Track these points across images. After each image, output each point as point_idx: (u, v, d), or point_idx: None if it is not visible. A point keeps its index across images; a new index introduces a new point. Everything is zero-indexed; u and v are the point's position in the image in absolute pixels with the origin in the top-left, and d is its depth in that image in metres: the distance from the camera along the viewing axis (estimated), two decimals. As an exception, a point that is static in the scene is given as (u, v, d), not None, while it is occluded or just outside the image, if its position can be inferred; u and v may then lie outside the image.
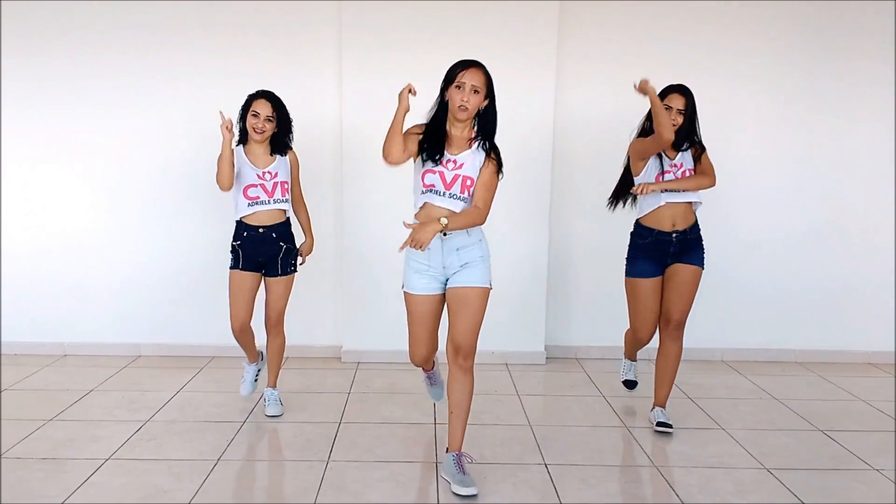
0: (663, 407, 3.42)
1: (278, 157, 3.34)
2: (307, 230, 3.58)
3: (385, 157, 2.66)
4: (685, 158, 3.27)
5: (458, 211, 2.69)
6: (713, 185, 3.26)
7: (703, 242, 3.36)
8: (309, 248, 3.58)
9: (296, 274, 3.48)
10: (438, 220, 2.60)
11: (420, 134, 2.72)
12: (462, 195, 2.70)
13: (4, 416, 3.43)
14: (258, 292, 3.42)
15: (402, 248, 2.64)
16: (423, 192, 2.72)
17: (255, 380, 3.62)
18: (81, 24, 4.27)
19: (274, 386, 3.60)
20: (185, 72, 4.33)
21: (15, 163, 4.41)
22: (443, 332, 2.88)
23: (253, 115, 3.21)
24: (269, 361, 3.58)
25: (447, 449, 2.85)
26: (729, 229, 4.38)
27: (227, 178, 3.14)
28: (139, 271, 4.49)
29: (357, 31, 4.19)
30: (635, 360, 3.78)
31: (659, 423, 3.34)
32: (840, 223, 4.58)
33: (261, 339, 3.55)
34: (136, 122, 4.37)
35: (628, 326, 3.60)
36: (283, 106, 3.28)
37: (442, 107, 2.71)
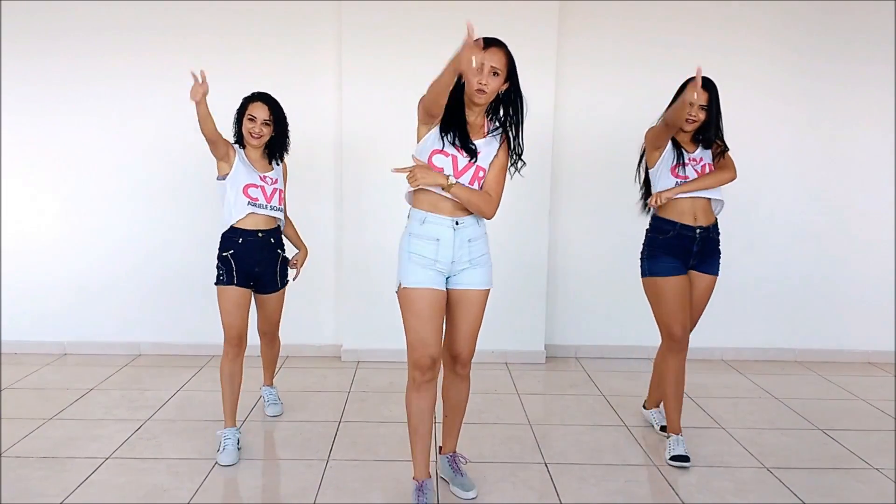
0: (677, 434, 3.11)
1: (274, 167, 3.15)
2: (299, 241, 3.35)
3: (427, 107, 2.39)
4: (706, 155, 3.08)
5: (450, 197, 2.47)
6: (734, 177, 3.07)
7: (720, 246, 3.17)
8: (304, 258, 3.33)
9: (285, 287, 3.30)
10: (446, 175, 2.40)
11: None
12: (471, 186, 2.48)
13: (4, 415, 3.43)
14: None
15: (398, 170, 2.41)
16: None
17: (239, 447, 3.05)
18: (79, 26, 4.27)
19: (271, 384, 3.58)
20: (184, 72, 4.31)
21: (15, 163, 4.41)
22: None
23: (249, 119, 3.03)
24: (264, 361, 3.53)
25: (440, 450, 2.85)
26: (728, 229, 4.31)
27: (209, 123, 2.96)
28: (139, 270, 4.49)
29: (357, 31, 4.19)
30: (680, 433, 3.12)
31: (674, 457, 3.03)
32: (840, 223, 4.58)
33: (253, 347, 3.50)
34: (135, 123, 4.37)
35: (658, 353, 3.30)
36: (281, 108, 3.10)
37: (458, 90, 2.42)
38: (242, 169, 3.04)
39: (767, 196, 4.50)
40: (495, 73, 2.40)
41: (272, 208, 3.10)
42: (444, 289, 2.54)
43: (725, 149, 3.12)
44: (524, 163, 2.62)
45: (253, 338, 3.42)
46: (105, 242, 4.48)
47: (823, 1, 4.37)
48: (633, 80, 4.40)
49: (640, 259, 3.19)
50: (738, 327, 4.63)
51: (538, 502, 2.68)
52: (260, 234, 3.08)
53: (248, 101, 3.08)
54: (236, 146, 3.11)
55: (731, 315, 4.57)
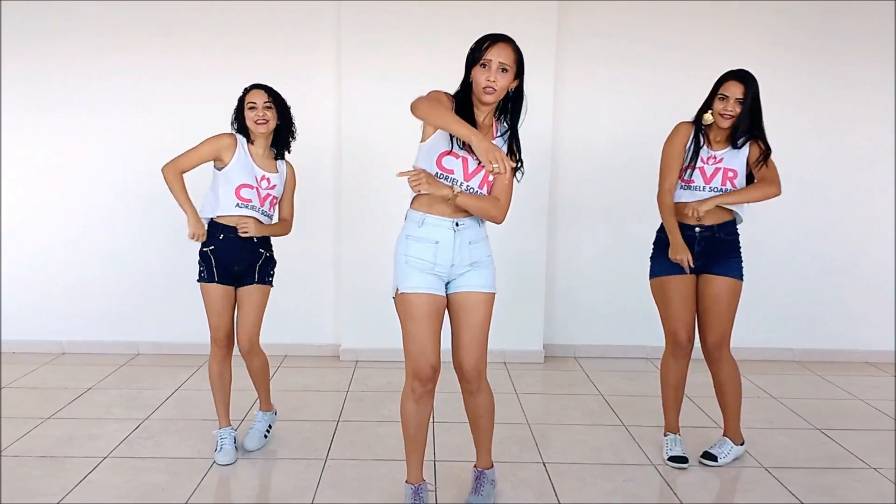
0: (732, 438, 3.06)
1: (280, 167, 3.03)
2: (274, 227, 3.06)
3: (416, 109, 2.33)
4: (733, 157, 2.91)
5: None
6: (779, 193, 2.93)
7: (740, 250, 3.03)
8: (258, 231, 2.95)
9: (271, 289, 3.06)
10: (451, 186, 2.29)
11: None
12: (481, 190, 2.38)
13: (3, 414, 3.42)
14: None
15: (401, 174, 2.29)
16: (436, 175, 2.35)
17: (236, 447, 3.04)
18: (78, 25, 4.27)
19: (266, 408, 3.22)
20: (184, 72, 4.33)
21: (14, 163, 4.40)
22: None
23: (250, 107, 2.89)
24: (254, 384, 3.20)
25: (475, 464, 2.68)
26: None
27: (169, 186, 2.97)
28: (138, 270, 4.49)
29: (356, 31, 4.19)
30: (678, 433, 3.13)
31: (705, 454, 3.03)
32: (839, 223, 4.58)
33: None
34: (132, 123, 4.36)
35: (662, 358, 3.18)
36: (279, 94, 2.97)
37: (467, 88, 2.35)
38: (240, 166, 2.91)
39: (766, 196, 4.50)
40: (504, 70, 2.30)
41: (262, 213, 2.96)
42: (444, 294, 2.42)
43: (768, 153, 2.93)
44: (522, 171, 2.53)
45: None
46: (103, 241, 4.47)
47: (823, 1, 4.37)
48: (632, 80, 4.40)
49: (650, 259, 3.11)
50: (737, 327, 4.55)
51: (536, 502, 2.67)
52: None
53: (244, 93, 2.96)
54: (239, 136, 2.96)
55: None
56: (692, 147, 2.94)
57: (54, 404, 3.58)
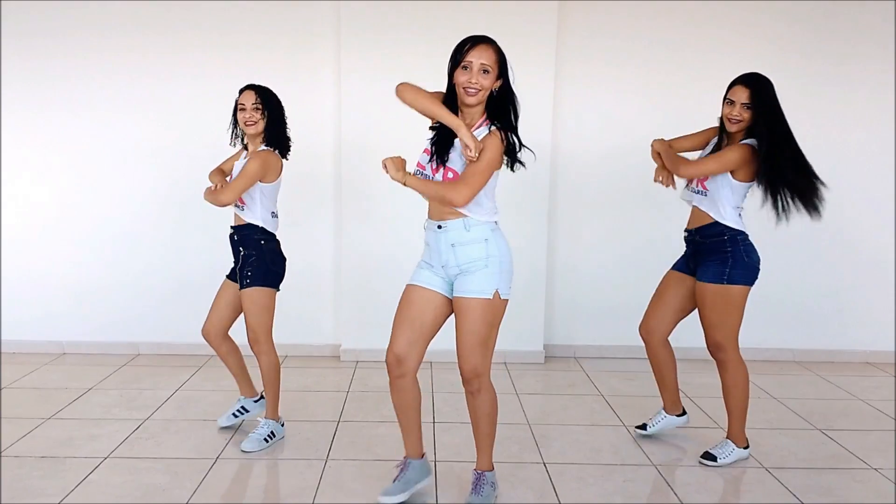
0: (734, 441, 3.05)
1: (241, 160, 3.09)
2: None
3: (401, 94, 2.39)
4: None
5: (444, 206, 2.41)
6: (711, 170, 2.87)
7: (728, 254, 2.96)
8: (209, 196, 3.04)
9: (256, 290, 3.04)
10: (403, 172, 2.37)
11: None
12: (427, 170, 2.45)
13: (3, 415, 3.42)
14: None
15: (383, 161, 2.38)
16: (414, 172, 2.46)
17: (235, 415, 3.32)
18: (78, 24, 4.26)
19: (271, 416, 3.18)
20: (183, 73, 4.33)
21: (15, 163, 4.40)
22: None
23: (240, 109, 3.02)
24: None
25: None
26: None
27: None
28: (138, 270, 4.49)
29: (355, 30, 4.19)
30: (664, 409, 3.29)
31: (705, 454, 3.03)
32: (839, 223, 4.57)
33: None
34: (134, 123, 4.36)
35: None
36: (270, 94, 3.05)
37: (451, 93, 2.39)
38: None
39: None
40: (486, 71, 2.33)
41: (235, 205, 3.08)
42: (442, 293, 2.49)
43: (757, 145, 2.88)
44: (523, 164, 2.55)
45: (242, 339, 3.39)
46: (104, 242, 4.47)
47: (824, 1, 4.37)
48: (633, 79, 4.40)
49: None
50: (737, 327, 4.62)
51: (537, 502, 2.67)
52: (231, 230, 3.15)
53: (238, 96, 3.07)
54: (243, 151, 3.19)
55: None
56: (711, 150, 3.02)
57: (55, 404, 3.58)
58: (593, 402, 3.78)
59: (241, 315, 3.16)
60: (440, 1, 4.16)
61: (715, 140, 3.04)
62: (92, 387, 3.88)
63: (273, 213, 3.14)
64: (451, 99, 2.40)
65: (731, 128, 2.89)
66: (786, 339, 4.67)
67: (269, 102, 3.03)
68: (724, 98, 2.92)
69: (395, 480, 2.63)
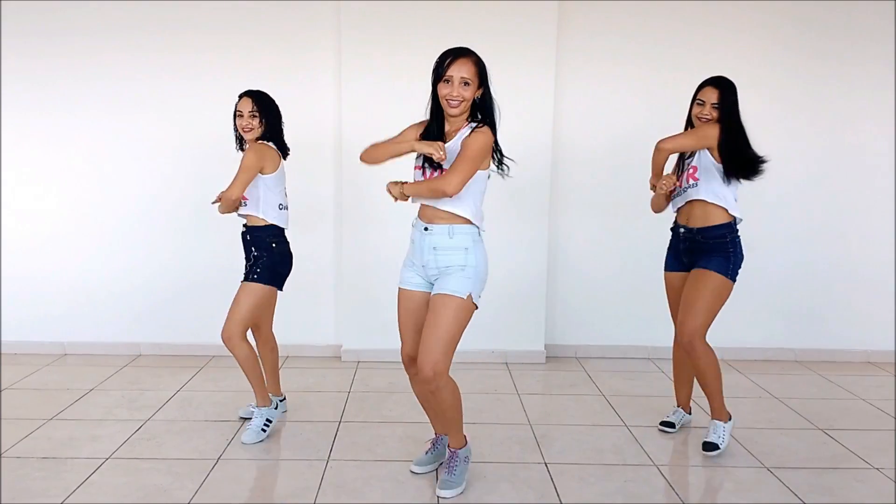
0: (719, 419, 3.16)
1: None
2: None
3: (363, 159, 2.66)
4: (701, 157, 3.03)
5: (444, 209, 2.53)
6: (686, 144, 3.02)
7: (731, 253, 3.09)
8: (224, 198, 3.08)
9: (262, 287, 3.12)
10: (398, 185, 2.57)
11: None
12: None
13: (4, 416, 3.43)
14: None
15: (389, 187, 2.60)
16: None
17: (264, 429, 3.21)
18: (79, 25, 4.27)
19: (263, 403, 3.24)
20: (183, 73, 4.33)
21: (15, 163, 4.41)
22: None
23: (238, 115, 3.09)
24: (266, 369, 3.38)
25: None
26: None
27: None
28: (139, 271, 4.49)
29: (356, 31, 4.19)
30: (679, 406, 3.46)
31: (704, 445, 3.11)
32: (839, 223, 4.58)
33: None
34: (134, 123, 4.37)
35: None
36: (266, 98, 3.11)
37: (436, 104, 2.54)
38: None
39: (766, 196, 4.48)
40: (466, 84, 2.46)
41: (242, 205, 3.13)
42: (427, 290, 2.64)
43: (739, 168, 3.02)
44: (507, 167, 2.66)
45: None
46: (105, 242, 4.48)
47: (824, 1, 4.37)
48: (633, 79, 4.40)
49: None
50: (738, 327, 4.62)
51: (538, 502, 2.67)
52: (243, 229, 3.22)
53: (237, 102, 3.14)
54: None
55: (730, 315, 4.51)
56: (678, 158, 3.16)
57: (56, 405, 3.58)
58: (595, 402, 3.78)
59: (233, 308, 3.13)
60: (440, 1, 4.16)
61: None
62: (93, 387, 3.88)
63: (280, 205, 3.17)
64: (437, 106, 2.55)
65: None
66: (787, 339, 4.67)
67: (266, 109, 3.09)
68: (694, 99, 3.07)
69: (426, 453, 2.91)
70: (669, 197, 3.19)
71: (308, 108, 4.25)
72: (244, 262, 3.25)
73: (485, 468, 2.92)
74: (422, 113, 2.67)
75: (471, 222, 2.57)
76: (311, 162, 4.27)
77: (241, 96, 3.12)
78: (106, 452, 3.03)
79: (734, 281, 3.10)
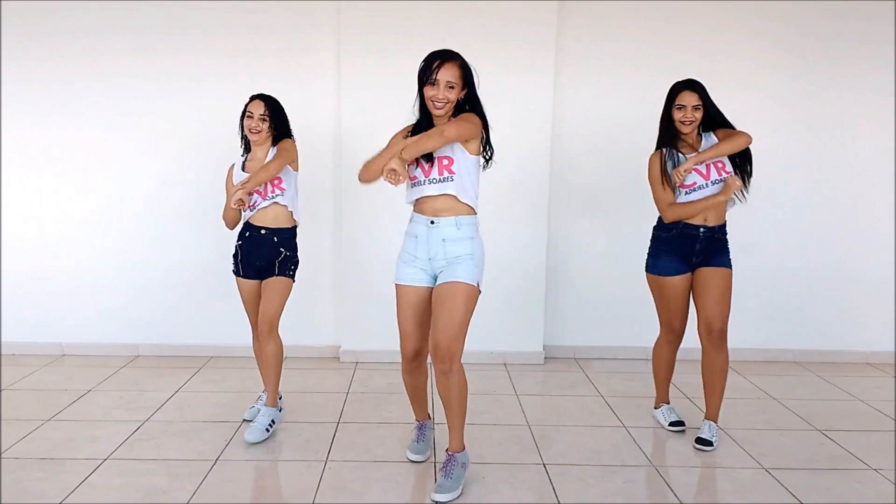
0: (714, 421, 3.24)
1: (270, 152, 3.20)
2: (254, 175, 3.10)
3: (362, 179, 2.68)
4: (710, 147, 3.09)
5: (449, 193, 2.60)
6: (750, 140, 3.06)
7: (727, 244, 3.23)
8: (244, 193, 3.04)
9: (293, 283, 3.28)
10: (398, 152, 2.51)
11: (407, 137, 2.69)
12: (441, 177, 2.62)
13: (3, 416, 3.42)
14: None
15: (388, 172, 2.49)
16: (411, 187, 2.70)
17: (268, 429, 3.21)
18: (79, 27, 4.27)
19: (273, 403, 3.28)
20: (184, 74, 4.33)
21: (14, 164, 4.41)
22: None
23: (248, 116, 3.17)
24: (263, 370, 3.29)
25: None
26: (728, 230, 4.38)
27: (230, 222, 3.26)
28: (138, 271, 4.49)
29: (356, 32, 4.19)
30: (669, 402, 3.51)
31: (699, 440, 3.17)
32: (839, 224, 4.58)
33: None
34: (133, 124, 4.37)
35: (655, 343, 3.44)
36: (278, 105, 3.21)
37: (423, 106, 2.66)
38: (238, 179, 3.20)
39: (766, 197, 4.49)
40: (451, 87, 2.56)
41: (271, 197, 3.17)
42: (428, 285, 2.73)
43: (726, 123, 3.15)
44: (492, 158, 2.76)
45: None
46: (103, 243, 4.47)
47: (823, 2, 4.38)
48: (632, 80, 4.40)
49: (647, 255, 3.33)
50: (737, 328, 4.56)
51: (537, 503, 2.67)
52: (263, 231, 3.19)
53: (247, 103, 3.22)
54: (234, 164, 3.30)
55: (730, 316, 4.56)
56: (671, 164, 3.13)
57: (54, 406, 3.58)
58: (593, 403, 3.78)
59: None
60: (441, 1, 4.16)
61: (665, 159, 3.16)
62: (92, 388, 3.88)
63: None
64: (424, 107, 2.66)
65: (686, 129, 3.12)
66: (786, 340, 4.67)
67: (276, 114, 3.19)
68: (673, 105, 3.13)
69: (417, 441, 3.02)
70: (674, 190, 3.15)
71: (308, 109, 4.24)
72: (258, 262, 3.21)
73: (483, 469, 2.92)
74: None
75: (473, 211, 2.69)
76: (310, 163, 4.23)
77: (252, 98, 3.20)
78: (104, 453, 3.02)
79: None
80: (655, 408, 3.52)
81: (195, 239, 4.43)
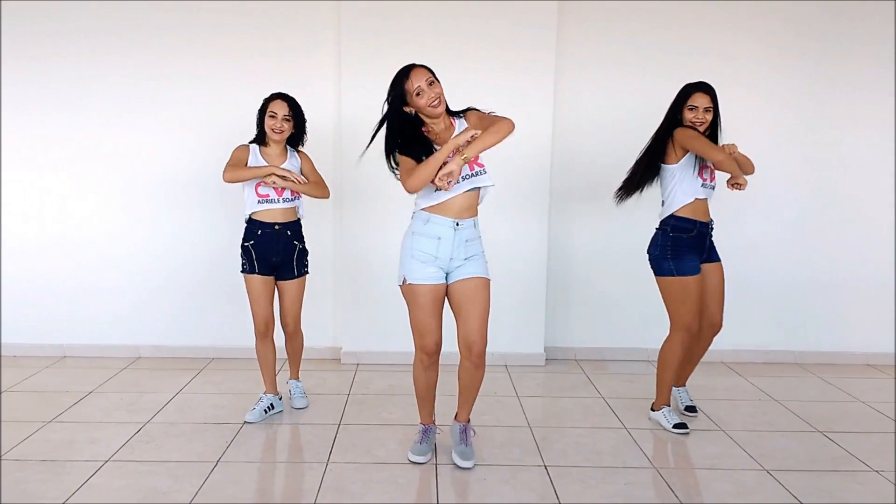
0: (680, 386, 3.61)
1: (290, 155, 3.39)
2: (308, 185, 3.37)
3: (414, 190, 2.70)
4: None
5: (481, 185, 2.77)
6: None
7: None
8: (292, 186, 3.31)
9: (305, 277, 3.50)
10: (459, 152, 2.65)
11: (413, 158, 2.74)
12: (472, 172, 2.76)
13: (4, 418, 3.42)
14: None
15: (443, 176, 2.62)
16: (436, 190, 2.72)
17: (266, 411, 3.47)
18: (83, 27, 4.28)
19: (297, 378, 3.71)
20: (184, 74, 4.34)
21: (15, 164, 4.41)
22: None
23: (270, 115, 3.27)
24: (289, 356, 3.68)
25: (455, 417, 3.04)
26: (728, 231, 4.36)
27: (235, 181, 3.27)
28: (138, 273, 4.50)
29: (356, 32, 4.20)
30: (670, 405, 3.51)
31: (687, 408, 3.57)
32: (839, 225, 4.58)
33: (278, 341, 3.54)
34: (135, 125, 4.37)
35: (665, 345, 3.42)
36: (299, 105, 3.36)
37: (409, 122, 2.75)
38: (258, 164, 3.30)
39: (767, 198, 4.50)
40: (431, 83, 2.71)
41: (284, 200, 3.32)
42: (444, 283, 2.82)
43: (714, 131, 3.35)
44: None
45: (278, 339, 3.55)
46: (104, 245, 4.48)
47: (823, 2, 4.38)
48: (632, 80, 4.40)
49: (657, 258, 3.33)
50: (738, 329, 4.62)
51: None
52: (276, 227, 3.32)
53: (268, 101, 3.33)
54: (251, 145, 3.36)
55: (730, 317, 4.51)
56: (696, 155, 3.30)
57: (55, 408, 3.58)
58: (594, 405, 3.78)
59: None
60: (441, 2, 4.17)
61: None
62: (93, 390, 3.88)
63: None
64: (415, 122, 2.76)
65: (699, 130, 3.25)
66: (787, 342, 4.67)
67: (298, 114, 3.35)
68: (683, 104, 3.27)
69: (420, 443, 3.03)
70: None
71: (308, 109, 4.20)
72: (275, 258, 3.34)
73: (485, 470, 2.92)
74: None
75: (476, 212, 2.86)
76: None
77: (273, 97, 3.31)
78: (105, 455, 3.02)
79: None
80: (655, 410, 3.49)
81: (196, 240, 4.43)
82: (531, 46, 4.22)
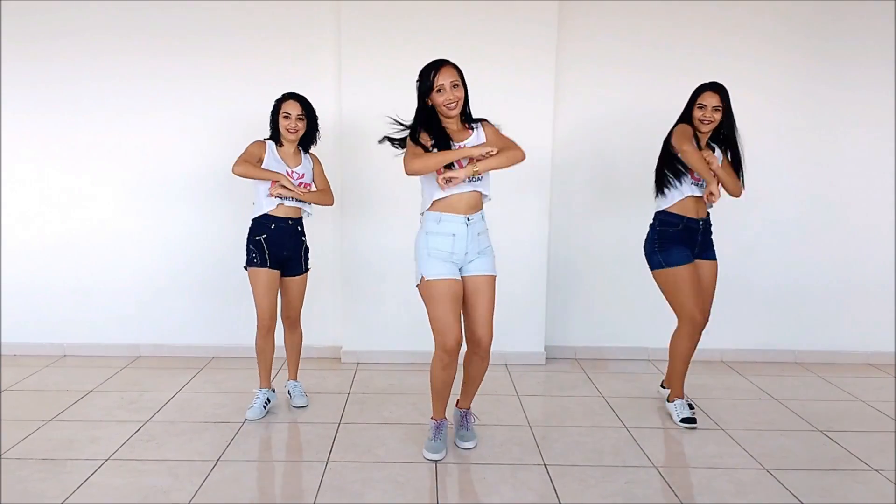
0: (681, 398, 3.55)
1: (304, 158, 3.45)
2: (315, 193, 3.46)
3: (413, 173, 2.77)
4: (718, 157, 3.34)
5: (482, 192, 2.88)
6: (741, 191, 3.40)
7: (712, 234, 3.49)
8: (299, 194, 3.35)
9: (307, 273, 3.58)
10: (471, 163, 2.75)
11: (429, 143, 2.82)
12: (479, 176, 2.83)
13: (4, 417, 3.43)
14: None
15: (447, 178, 2.72)
16: (440, 187, 2.80)
17: (265, 406, 3.50)
18: (87, 27, 4.28)
19: (295, 378, 3.72)
20: (184, 74, 4.34)
21: (15, 164, 4.41)
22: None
23: (284, 116, 3.32)
24: (288, 354, 3.70)
25: (457, 403, 3.21)
26: (728, 230, 4.38)
27: (244, 176, 3.27)
28: (139, 272, 4.50)
29: (356, 32, 4.19)
30: (684, 398, 3.55)
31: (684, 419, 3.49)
32: (840, 224, 4.58)
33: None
34: (135, 125, 4.37)
35: (673, 337, 3.49)
36: (311, 105, 3.40)
37: (428, 113, 2.84)
38: (272, 165, 3.33)
39: (767, 197, 4.50)
40: (455, 85, 2.79)
41: (297, 199, 3.36)
42: (460, 278, 2.89)
43: (739, 165, 3.39)
44: None
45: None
46: (105, 244, 4.48)
47: (823, 2, 4.38)
48: (633, 79, 4.40)
49: (648, 253, 3.45)
50: (738, 328, 4.63)
51: (538, 503, 2.67)
52: (290, 222, 3.39)
53: (281, 101, 3.38)
54: (268, 142, 3.39)
55: (730, 316, 4.57)
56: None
57: (56, 407, 3.58)
58: (594, 404, 3.78)
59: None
60: (441, 2, 4.16)
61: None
62: (93, 389, 3.88)
63: None
64: (431, 116, 2.84)
65: (704, 128, 3.30)
66: (787, 341, 4.67)
67: (311, 114, 3.41)
68: (693, 103, 3.32)
69: (434, 440, 3.05)
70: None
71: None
72: (285, 252, 3.39)
73: (485, 469, 2.92)
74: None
75: (482, 206, 2.95)
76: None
77: (286, 97, 3.36)
78: (105, 454, 3.03)
79: None
80: (670, 401, 3.57)
81: (196, 240, 4.44)
82: (532, 45, 4.22)
